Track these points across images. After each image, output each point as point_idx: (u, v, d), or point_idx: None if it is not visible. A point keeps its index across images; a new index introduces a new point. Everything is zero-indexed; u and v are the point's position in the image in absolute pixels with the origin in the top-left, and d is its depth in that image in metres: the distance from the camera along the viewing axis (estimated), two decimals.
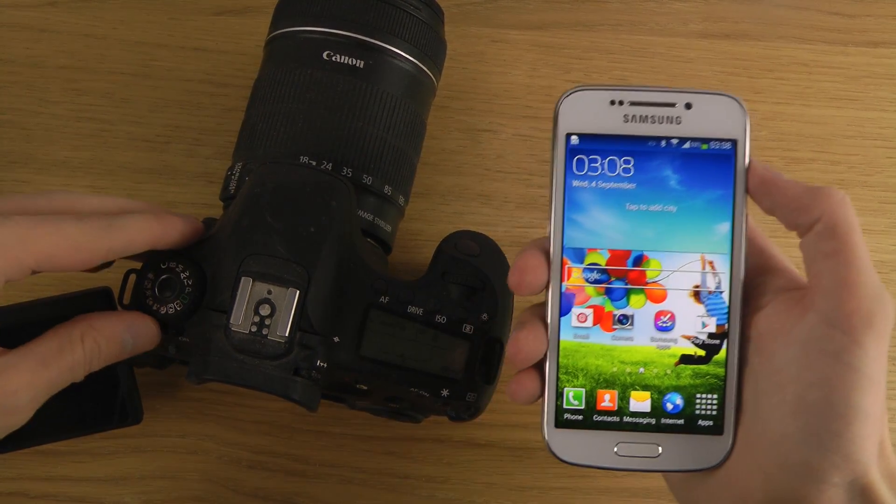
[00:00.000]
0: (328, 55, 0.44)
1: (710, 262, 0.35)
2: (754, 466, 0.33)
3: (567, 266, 0.35)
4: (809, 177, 0.54)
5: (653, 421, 0.35)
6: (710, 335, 0.35)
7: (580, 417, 0.35)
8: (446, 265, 0.41)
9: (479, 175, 0.53)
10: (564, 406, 0.35)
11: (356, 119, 0.43)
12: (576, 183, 0.35)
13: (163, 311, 0.39)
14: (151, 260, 0.40)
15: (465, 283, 0.41)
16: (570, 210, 0.35)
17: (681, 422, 0.35)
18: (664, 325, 0.35)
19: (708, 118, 0.35)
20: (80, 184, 0.52)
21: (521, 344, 0.35)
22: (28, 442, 0.44)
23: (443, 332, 0.40)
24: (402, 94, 0.45)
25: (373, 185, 0.44)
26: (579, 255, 0.35)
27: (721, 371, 0.35)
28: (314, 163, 0.43)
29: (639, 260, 0.35)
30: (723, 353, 0.35)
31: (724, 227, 0.35)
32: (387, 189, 0.44)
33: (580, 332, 0.35)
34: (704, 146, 0.35)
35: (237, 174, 0.44)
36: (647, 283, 0.35)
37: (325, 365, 0.39)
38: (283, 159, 0.43)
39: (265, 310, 0.38)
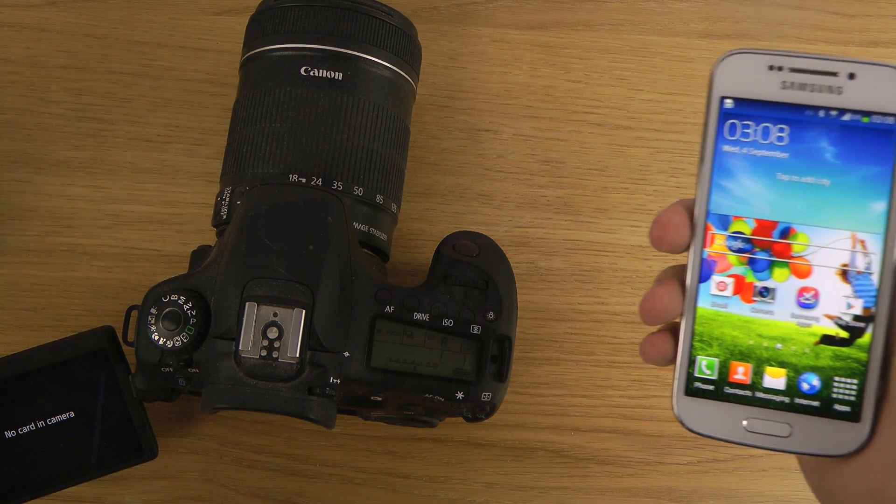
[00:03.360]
0: (306, 70, 0.44)
1: (862, 241, 0.33)
2: None
3: (711, 232, 0.34)
4: None
5: (786, 399, 0.34)
6: (856, 317, 0.33)
7: (711, 388, 0.34)
8: (447, 268, 0.42)
9: (480, 175, 0.53)
10: (696, 374, 0.34)
11: (341, 131, 0.43)
12: (726, 148, 0.34)
13: (169, 344, 0.39)
14: (152, 295, 0.39)
15: (468, 284, 0.41)
16: (719, 175, 0.34)
17: (815, 404, 0.34)
18: (807, 301, 0.34)
19: (872, 90, 0.33)
20: (80, 184, 0.52)
21: (656, 300, 0.34)
22: (46, 489, 0.43)
23: (451, 335, 0.41)
24: (383, 101, 0.45)
25: (364, 196, 0.43)
26: (724, 221, 0.34)
27: (864, 356, 0.33)
28: (304, 180, 0.42)
29: (785, 232, 0.34)
30: (867, 337, 0.33)
31: (880, 206, 0.33)
32: (378, 198, 0.44)
33: (718, 301, 0.34)
34: (865, 119, 0.33)
35: (227, 200, 0.44)
36: (792, 257, 0.34)
37: (339, 381, 0.39)
38: (273, 180, 0.42)
39: (273, 333, 0.38)
